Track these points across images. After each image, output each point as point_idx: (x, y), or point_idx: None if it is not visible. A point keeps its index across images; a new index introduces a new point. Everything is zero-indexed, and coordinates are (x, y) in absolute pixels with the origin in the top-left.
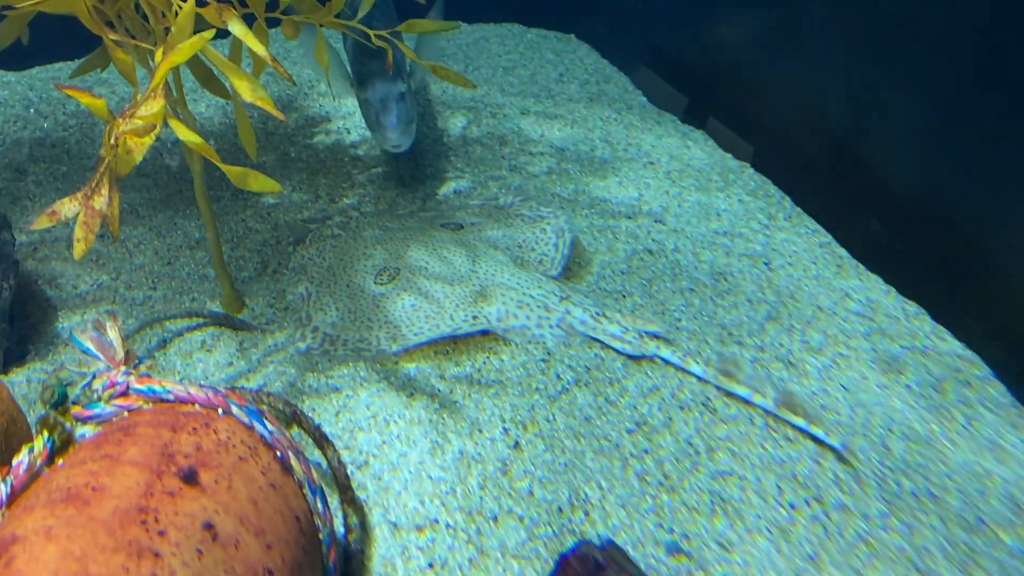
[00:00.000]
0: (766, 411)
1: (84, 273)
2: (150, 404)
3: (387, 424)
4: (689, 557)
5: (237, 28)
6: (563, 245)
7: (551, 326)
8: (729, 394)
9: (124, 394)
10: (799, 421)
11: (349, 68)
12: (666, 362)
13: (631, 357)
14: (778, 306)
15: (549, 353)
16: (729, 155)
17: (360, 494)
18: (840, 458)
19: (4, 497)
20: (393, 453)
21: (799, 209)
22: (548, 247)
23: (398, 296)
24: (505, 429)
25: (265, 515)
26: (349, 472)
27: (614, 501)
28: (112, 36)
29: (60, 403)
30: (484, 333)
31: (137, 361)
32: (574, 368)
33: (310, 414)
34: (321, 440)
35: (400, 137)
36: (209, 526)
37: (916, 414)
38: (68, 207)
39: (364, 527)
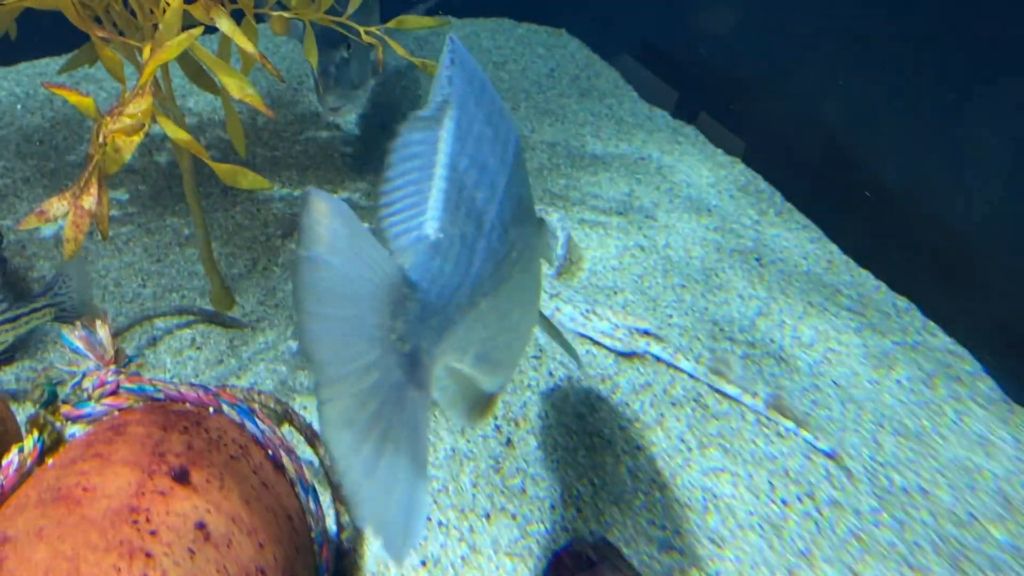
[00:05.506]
0: (756, 412)
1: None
2: (140, 403)
3: None
4: (681, 554)
5: (225, 25)
6: (556, 245)
7: None
8: (720, 392)
9: (114, 393)
10: (788, 424)
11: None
12: (657, 359)
13: (621, 354)
14: (769, 302)
15: (541, 350)
16: (720, 151)
17: None
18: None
19: None
20: None
21: (790, 205)
22: None
23: None
24: (497, 426)
25: (257, 514)
26: None
27: (606, 498)
28: (100, 32)
29: (50, 402)
30: None
31: (127, 359)
32: (566, 365)
33: (301, 412)
34: (313, 438)
35: (335, 100)
36: (201, 525)
37: (907, 409)
38: (57, 206)
39: (356, 525)
